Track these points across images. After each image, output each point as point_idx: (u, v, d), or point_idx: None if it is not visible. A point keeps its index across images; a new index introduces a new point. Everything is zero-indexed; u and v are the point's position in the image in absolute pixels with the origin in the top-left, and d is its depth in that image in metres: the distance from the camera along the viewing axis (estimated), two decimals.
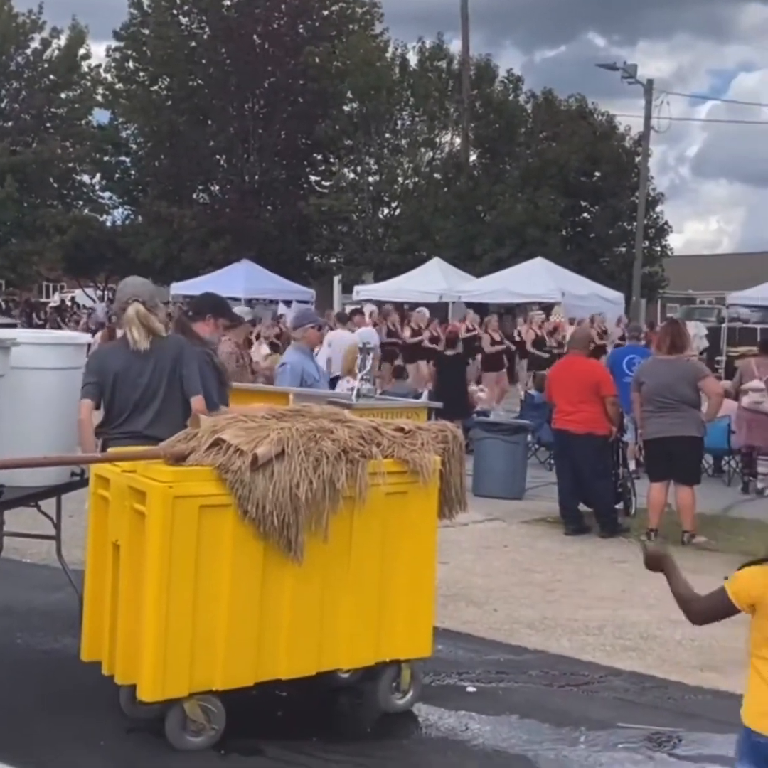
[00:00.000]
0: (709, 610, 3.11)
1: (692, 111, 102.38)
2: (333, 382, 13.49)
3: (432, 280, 25.00)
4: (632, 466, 10.72)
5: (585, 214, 32.78)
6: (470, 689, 5.35)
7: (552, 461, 10.90)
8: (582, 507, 9.32)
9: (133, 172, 38.75)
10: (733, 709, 5.17)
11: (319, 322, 8.77)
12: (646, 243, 31.52)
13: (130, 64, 37.66)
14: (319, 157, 37.68)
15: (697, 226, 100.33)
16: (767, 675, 3.06)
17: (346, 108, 35.01)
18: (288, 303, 24.88)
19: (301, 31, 36.26)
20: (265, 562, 4.47)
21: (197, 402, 5.18)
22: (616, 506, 9.52)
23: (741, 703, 5.31)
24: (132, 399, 5.25)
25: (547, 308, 22.14)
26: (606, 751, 4.65)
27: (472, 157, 34.07)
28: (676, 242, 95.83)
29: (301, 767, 4.40)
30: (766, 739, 3.00)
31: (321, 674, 4.72)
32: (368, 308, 22.14)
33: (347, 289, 29.41)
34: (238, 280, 26.15)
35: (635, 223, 30.88)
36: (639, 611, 6.72)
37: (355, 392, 7.12)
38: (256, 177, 36.43)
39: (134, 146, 38.67)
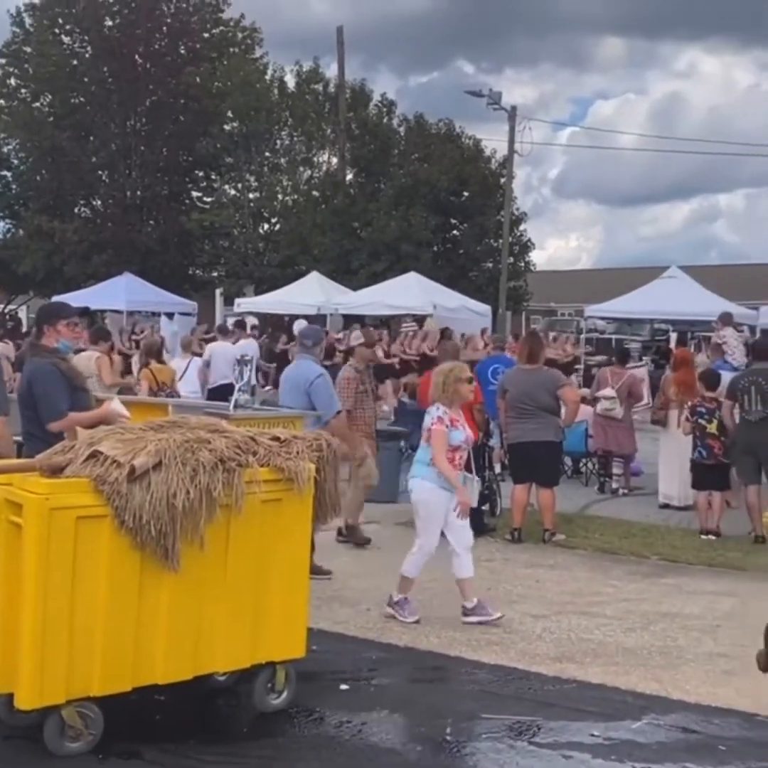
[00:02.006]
0: None
1: (553, 136, 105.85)
2: (214, 391, 13.46)
3: (311, 293, 25.28)
4: (497, 469, 11.14)
5: (454, 232, 33.60)
6: (343, 687, 5.54)
7: None
8: None
9: (14, 186, 37.99)
10: (588, 698, 5.55)
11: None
12: (511, 259, 32.57)
13: (12, 81, 37.15)
14: (201, 173, 37.67)
15: (558, 244, 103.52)
16: None
17: (226, 127, 35.16)
18: (170, 315, 24.74)
19: (182, 51, 36.22)
20: (142, 571, 4.57)
21: None
22: (483, 507, 9.86)
23: (598, 692, 5.67)
24: None
25: (419, 320, 22.66)
26: (470, 742, 4.91)
27: (349, 176, 34.67)
28: (539, 258, 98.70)
29: None
30: None
31: (198, 678, 4.84)
32: (250, 320, 22.34)
33: (229, 302, 29.37)
34: (119, 293, 25.86)
35: (501, 240, 31.85)
36: (503, 607, 7.03)
37: (232, 403, 7.25)
38: (138, 192, 36.10)
39: (16, 161, 38.00)
